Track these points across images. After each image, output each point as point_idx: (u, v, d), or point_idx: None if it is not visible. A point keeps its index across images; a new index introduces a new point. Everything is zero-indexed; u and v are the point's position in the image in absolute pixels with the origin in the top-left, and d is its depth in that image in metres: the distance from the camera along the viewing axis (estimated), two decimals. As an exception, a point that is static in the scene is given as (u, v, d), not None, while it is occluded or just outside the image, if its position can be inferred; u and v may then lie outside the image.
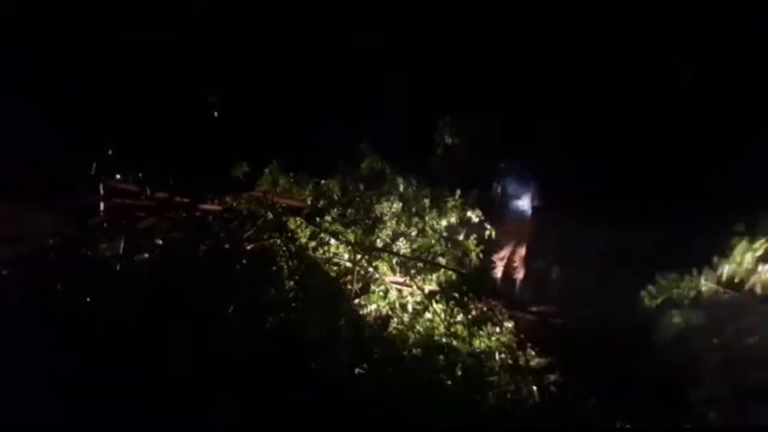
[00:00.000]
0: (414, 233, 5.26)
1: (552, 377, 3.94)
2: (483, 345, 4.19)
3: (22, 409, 2.85)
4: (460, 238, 5.59)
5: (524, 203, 6.30)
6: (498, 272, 6.27)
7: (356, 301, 4.44)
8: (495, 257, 6.20)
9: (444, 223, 5.51)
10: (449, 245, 5.42)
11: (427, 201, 5.63)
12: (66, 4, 6.56)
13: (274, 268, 4.46)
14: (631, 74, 7.68)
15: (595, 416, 3.74)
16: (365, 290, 4.61)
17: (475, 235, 5.60)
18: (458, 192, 5.75)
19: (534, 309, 5.77)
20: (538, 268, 6.61)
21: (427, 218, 5.46)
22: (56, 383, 3.04)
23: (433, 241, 5.27)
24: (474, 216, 5.66)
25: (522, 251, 6.35)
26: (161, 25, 6.94)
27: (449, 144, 7.31)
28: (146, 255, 4.41)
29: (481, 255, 5.55)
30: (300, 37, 7.81)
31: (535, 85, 7.66)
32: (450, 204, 5.63)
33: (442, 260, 5.16)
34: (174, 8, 7.20)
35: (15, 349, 3.19)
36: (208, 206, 5.19)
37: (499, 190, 6.25)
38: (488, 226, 5.73)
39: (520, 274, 6.35)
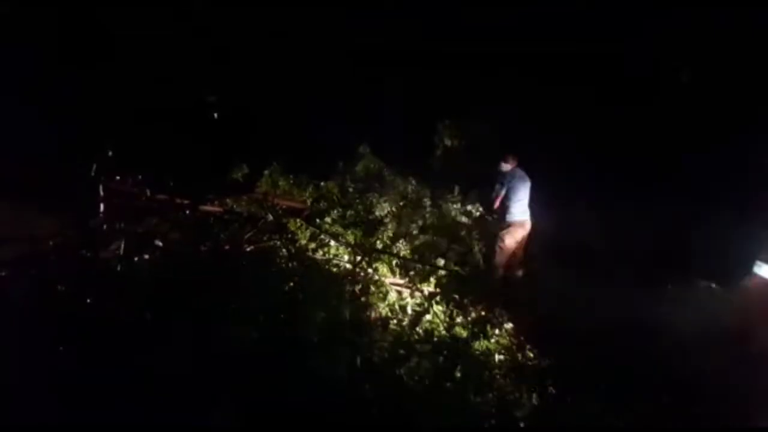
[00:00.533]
0: (415, 231, 5.26)
1: (551, 378, 3.94)
2: (483, 346, 4.19)
3: (22, 409, 2.86)
4: (462, 233, 5.58)
5: (525, 204, 6.30)
6: (499, 273, 6.26)
7: (356, 302, 4.44)
8: (496, 258, 6.20)
9: (445, 219, 5.50)
10: (451, 242, 5.42)
11: (427, 200, 5.63)
12: (66, 4, 6.57)
13: (274, 269, 4.47)
14: (630, 74, 7.69)
15: (595, 417, 3.75)
16: (365, 292, 4.61)
17: (477, 231, 5.60)
18: (457, 188, 5.74)
19: (534, 311, 5.76)
20: (538, 269, 6.60)
21: (427, 215, 5.46)
22: (56, 383, 3.04)
23: (435, 238, 5.27)
24: (475, 210, 5.64)
25: (521, 252, 6.36)
26: (161, 25, 6.94)
27: (449, 145, 7.31)
28: (146, 256, 4.41)
29: (483, 249, 5.55)
30: (300, 37, 7.81)
31: (535, 86, 7.68)
32: (451, 201, 5.62)
33: (442, 260, 5.15)
34: (174, 8, 7.21)
35: (15, 349, 3.19)
36: (208, 208, 5.19)
37: (503, 192, 6.22)
38: (489, 219, 5.72)
39: (519, 275, 6.34)
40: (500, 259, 6.21)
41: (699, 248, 5.81)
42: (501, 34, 7.74)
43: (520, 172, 6.35)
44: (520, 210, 6.23)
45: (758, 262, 3.32)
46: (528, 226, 6.29)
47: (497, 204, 6.21)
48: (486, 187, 6.34)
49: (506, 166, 6.33)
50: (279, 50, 7.76)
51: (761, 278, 3.27)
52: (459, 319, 4.47)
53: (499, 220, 6.17)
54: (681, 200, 6.73)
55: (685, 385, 4.13)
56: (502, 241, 6.16)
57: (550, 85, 7.71)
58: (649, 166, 7.20)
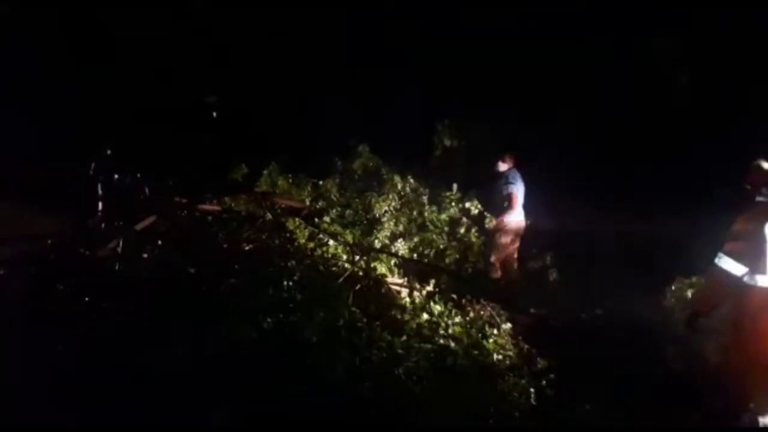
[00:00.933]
0: (414, 229, 5.25)
1: (550, 379, 3.95)
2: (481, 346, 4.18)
3: (22, 409, 2.86)
4: (461, 230, 5.57)
5: (521, 205, 6.33)
6: (497, 273, 6.27)
7: (355, 302, 4.43)
8: (493, 258, 6.21)
9: (443, 217, 5.48)
10: (450, 239, 5.40)
11: (425, 198, 5.62)
12: (66, 4, 6.56)
13: (273, 269, 4.46)
14: (630, 74, 7.69)
15: (594, 418, 3.76)
16: (364, 291, 4.60)
17: (476, 228, 5.59)
18: (455, 187, 5.73)
19: (532, 311, 5.78)
20: (536, 269, 6.61)
21: (426, 213, 5.44)
22: (56, 383, 3.05)
23: (434, 236, 5.26)
24: (473, 208, 5.63)
25: (516, 252, 6.38)
26: (161, 25, 6.94)
27: (448, 145, 7.33)
28: (145, 255, 4.42)
29: (482, 248, 5.54)
30: (300, 37, 7.81)
31: (534, 85, 7.68)
32: (449, 199, 5.61)
33: (442, 257, 5.14)
34: (174, 8, 7.20)
35: (14, 349, 3.20)
36: (207, 207, 5.19)
37: (510, 191, 6.22)
38: (488, 216, 5.72)
39: (516, 274, 6.37)
40: (497, 258, 6.22)
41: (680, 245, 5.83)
42: (501, 33, 7.75)
43: (518, 173, 6.37)
44: (518, 210, 6.26)
45: (719, 254, 3.44)
46: (523, 225, 6.33)
47: (515, 205, 6.20)
48: (485, 186, 6.35)
49: (503, 166, 6.35)
50: (279, 50, 7.76)
51: (720, 269, 3.41)
52: (458, 319, 4.47)
53: (497, 220, 6.18)
54: (673, 199, 6.74)
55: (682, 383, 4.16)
56: (500, 240, 6.18)
57: (550, 85, 7.72)
58: (645, 165, 7.20)
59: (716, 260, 3.44)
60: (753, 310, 3.35)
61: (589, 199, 6.91)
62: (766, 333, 3.33)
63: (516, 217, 6.25)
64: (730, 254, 3.37)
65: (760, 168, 3.54)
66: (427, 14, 8.08)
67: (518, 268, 6.40)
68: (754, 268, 3.30)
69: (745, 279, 3.33)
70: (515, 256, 6.39)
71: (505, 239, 6.21)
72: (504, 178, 6.29)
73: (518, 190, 6.23)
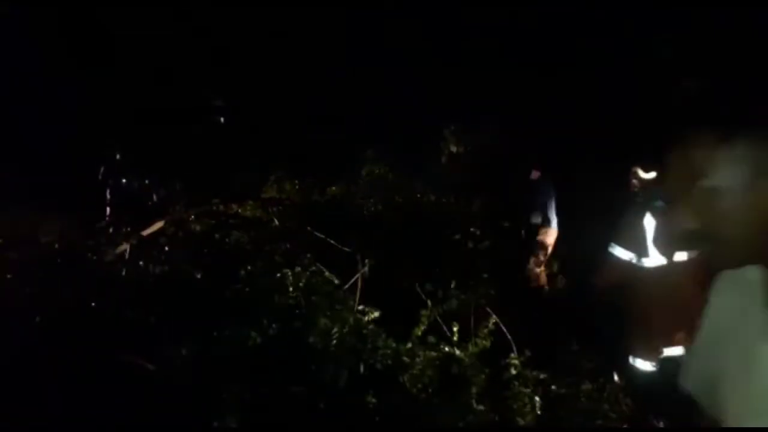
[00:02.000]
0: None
1: (556, 384, 3.97)
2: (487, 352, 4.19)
3: (25, 410, 2.89)
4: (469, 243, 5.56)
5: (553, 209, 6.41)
6: (541, 279, 6.35)
7: (360, 307, 4.43)
8: (536, 263, 6.28)
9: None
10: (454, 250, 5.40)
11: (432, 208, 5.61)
12: (66, 4, 6.54)
13: (278, 273, 4.47)
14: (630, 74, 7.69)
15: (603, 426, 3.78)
16: (369, 296, 4.59)
17: (484, 243, 5.59)
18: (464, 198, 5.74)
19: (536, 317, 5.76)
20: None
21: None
22: (58, 384, 3.07)
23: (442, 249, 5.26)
24: (476, 230, 5.62)
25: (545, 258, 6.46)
26: (161, 25, 6.93)
27: (454, 152, 7.34)
28: (151, 260, 4.43)
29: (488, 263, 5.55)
30: (305, 40, 7.79)
31: (534, 86, 7.69)
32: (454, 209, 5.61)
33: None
34: (174, 8, 7.18)
35: (19, 351, 3.22)
36: (214, 211, 5.20)
37: (548, 198, 6.33)
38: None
39: (546, 280, 6.43)
40: (540, 263, 6.30)
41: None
42: (504, 35, 7.75)
43: (546, 177, 6.44)
44: (553, 215, 6.35)
45: (612, 244, 4.12)
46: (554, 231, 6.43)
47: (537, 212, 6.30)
48: (517, 194, 6.43)
49: (536, 174, 6.42)
50: (286, 53, 7.74)
51: (613, 255, 4.12)
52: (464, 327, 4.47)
53: (541, 227, 6.25)
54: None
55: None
56: (541, 248, 6.27)
57: (550, 85, 7.72)
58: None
59: (609, 249, 4.13)
60: (643, 285, 3.99)
61: (589, 200, 6.92)
62: (657, 302, 3.88)
63: (552, 224, 6.37)
64: (619, 243, 4.08)
65: (636, 175, 4.23)
66: (427, 14, 8.07)
67: (545, 273, 6.48)
68: (640, 254, 3.97)
69: (633, 262, 4.02)
70: (545, 260, 6.47)
71: (546, 245, 6.29)
72: (543, 187, 6.41)
73: (549, 198, 6.34)
